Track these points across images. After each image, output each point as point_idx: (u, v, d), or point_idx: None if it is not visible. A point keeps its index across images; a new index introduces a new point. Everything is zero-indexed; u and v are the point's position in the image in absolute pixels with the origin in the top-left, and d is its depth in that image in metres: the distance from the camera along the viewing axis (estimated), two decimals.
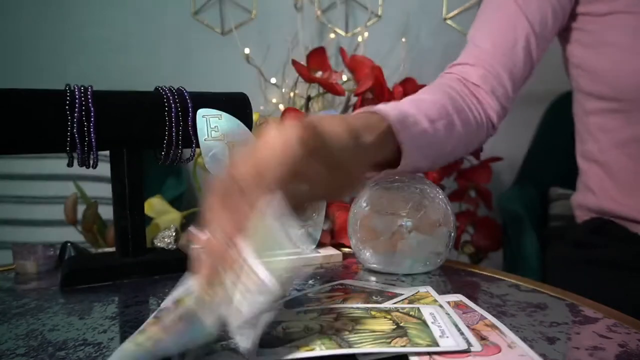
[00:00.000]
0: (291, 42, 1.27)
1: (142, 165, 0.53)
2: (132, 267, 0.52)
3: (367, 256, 0.53)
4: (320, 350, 0.31)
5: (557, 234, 0.86)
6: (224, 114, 0.53)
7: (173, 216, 0.77)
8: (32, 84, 0.50)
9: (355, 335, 0.33)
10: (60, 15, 1.30)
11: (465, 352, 0.31)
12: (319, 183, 0.37)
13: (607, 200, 0.74)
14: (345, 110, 1.08)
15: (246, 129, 0.54)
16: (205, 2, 1.32)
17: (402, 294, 0.43)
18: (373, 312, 0.37)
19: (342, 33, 1.32)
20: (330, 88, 0.83)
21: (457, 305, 0.41)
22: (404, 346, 0.31)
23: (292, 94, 1.19)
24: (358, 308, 0.39)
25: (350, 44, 1.33)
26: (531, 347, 0.33)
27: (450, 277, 0.52)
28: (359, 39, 1.22)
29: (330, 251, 0.59)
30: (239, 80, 1.33)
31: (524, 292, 0.46)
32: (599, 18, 0.68)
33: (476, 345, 0.32)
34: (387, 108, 0.48)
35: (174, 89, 0.54)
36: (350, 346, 0.31)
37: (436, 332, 0.34)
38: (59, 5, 1.30)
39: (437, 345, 0.32)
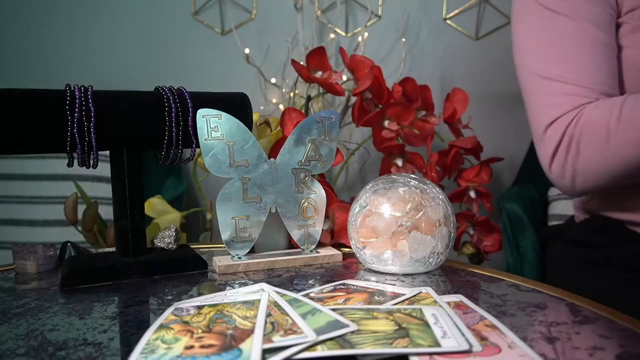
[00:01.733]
0: (291, 42, 1.27)
1: (142, 165, 0.53)
2: (132, 267, 0.52)
3: (367, 256, 0.53)
4: (322, 350, 0.31)
5: (557, 233, 0.86)
6: (224, 114, 0.53)
7: (173, 216, 0.77)
8: (33, 84, 0.50)
9: (357, 335, 0.33)
10: (60, 15, 1.30)
11: (467, 352, 0.31)
12: None
13: (606, 204, 0.74)
14: (345, 110, 1.08)
15: (246, 128, 0.54)
16: (205, 2, 1.32)
17: (404, 294, 0.43)
18: (375, 313, 0.37)
19: (342, 33, 1.32)
20: (330, 88, 0.83)
21: (457, 306, 0.40)
22: (405, 347, 0.31)
23: (292, 94, 1.19)
24: (360, 309, 0.39)
25: (350, 44, 1.33)
26: (531, 347, 0.33)
27: (450, 277, 0.52)
28: (359, 39, 1.22)
29: (330, 251, 0.59)
30: (239, 80, 1.33)
31: (524, 292, 0.46)
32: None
33: (476, 346, 0.32)
34: None
35: (174, 89, 0.54)
36: (352, 347, 0.31)
37: (438, 333, 0.34)
38: (58, 5, 1.30)
39: (439, 345, 0.32)
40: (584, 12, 0.65)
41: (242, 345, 0.32)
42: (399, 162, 0.83)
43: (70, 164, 0.51)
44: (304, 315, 0.36)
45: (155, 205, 0.77)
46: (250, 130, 0.54)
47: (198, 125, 0.52)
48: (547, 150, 0.67)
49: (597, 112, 0.61)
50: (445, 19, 1.34)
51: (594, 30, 0.64)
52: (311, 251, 0.59)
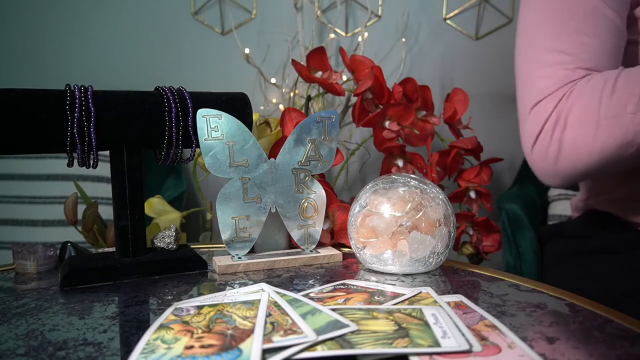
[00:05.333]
0: (291, 42, 1.27)
1: (142, 165, 0.53)
2: (132, 267, 0.52)
3: (367, 256, 0.53)
4: (322, 350, 0.31)
5: (554, 232, 0.87)
6: (224, 114, 0.53)
7: (173, 216, 0.77)
8: (33, 84, 0.50)
9: (357, 335, 0.33)
10: (60, 15, 1.30)
11: (467, 352, 0.31)
12: None
13: (603, 201, 0.74)
14: (345, 110, 1.08)
15: (246, 128, 0.54)
16: (205, 2, 1.32)
17: (404, 294, 0.43)
18: (375, 313, 0.38)
19: (342, 33, 1.32)
20: (330, 88, 0.83)
21: (457, 306, 0.41)
22: (405, 347, 0.31)
23: (292, 94, 1.20)
24: (360, 309, 0.39)
25: (350, 44, 1.33)
26: (531, 347, 0.33)
27: (450, 277, 0.52)
28: (359, 39, 1.22)
29: (330, 251, 0.59)
30: (239, 80, 1.33)
31: (523, 292, 0.46)
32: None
33: (476, 346, 0.32)
34: None
35: (174, 89, 0.54)
36: (352, 347, 0.31)
37: (438, 333, 0.34)
38: (58, 5, 1.30)
39: (439, 345, 0.32)
40: None
41: (242, 345, 0.32)
42: (400, 163, 0.83)
43: (70, 164, 0.51)
44: (304, 315, 0.36)
45: (155, 205, 0.77)
46: (250, 130, 0.54)
47: (198, 125, 0.52)
48: (533, 128, 0.62)
49: (589, 84, 0.58)
50: (445, 19, 1.34)
51: (604, 8, 0.60)
52: (311, 251, 0.59)
